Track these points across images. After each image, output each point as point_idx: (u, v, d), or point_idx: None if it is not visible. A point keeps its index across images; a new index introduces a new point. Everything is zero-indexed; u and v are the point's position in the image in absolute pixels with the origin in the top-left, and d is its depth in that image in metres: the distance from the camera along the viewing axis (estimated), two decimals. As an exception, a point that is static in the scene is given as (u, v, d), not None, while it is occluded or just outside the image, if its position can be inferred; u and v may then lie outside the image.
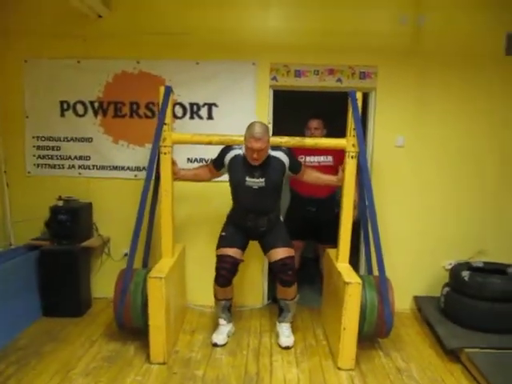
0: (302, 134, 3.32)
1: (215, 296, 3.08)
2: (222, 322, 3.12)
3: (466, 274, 3.06)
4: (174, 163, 2.99)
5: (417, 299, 3.59)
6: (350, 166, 2.88)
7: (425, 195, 3.57)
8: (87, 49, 3.43)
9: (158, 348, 2.74)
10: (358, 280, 2.73)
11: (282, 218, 3.12)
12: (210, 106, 3.48)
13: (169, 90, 2.91)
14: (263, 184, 2.83)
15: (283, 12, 3.43)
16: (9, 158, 3.55)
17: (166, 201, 3.00)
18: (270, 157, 2.82)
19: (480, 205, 3.55)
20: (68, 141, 3.56)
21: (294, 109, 3.97)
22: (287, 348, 2.98)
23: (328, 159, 3.46)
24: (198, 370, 2.69)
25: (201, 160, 3.49)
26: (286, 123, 3.54)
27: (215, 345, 2.99)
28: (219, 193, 3.23)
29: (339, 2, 3.34)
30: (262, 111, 3.45)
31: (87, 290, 3.54)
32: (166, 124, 2.89)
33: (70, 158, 3.58)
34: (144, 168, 3.36)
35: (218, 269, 2.96)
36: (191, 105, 3.48)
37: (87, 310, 3.50)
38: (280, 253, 2.92)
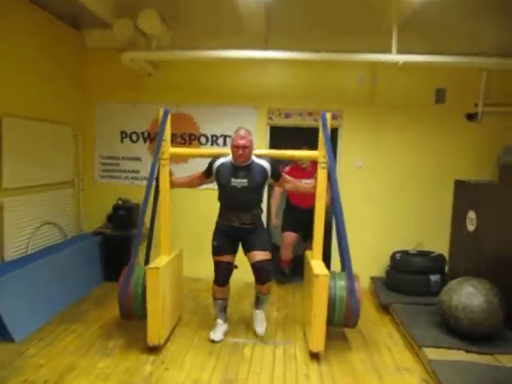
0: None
1: (214, 296, 3.55)
2: (219, 322, 3.55)
3: (398, 255, 4.39)
4: (171, 174, 3.46)
5: (372, 279, 4.88)
6: (321, 175, 3.37)
7: (378, 202, 4.92)
8: (140, 96, 4.95)
9: (154, 330, 3.15)
10: (327, 273, 3.16)
11: (264, 223, 3.70)
12: (225, 136, 4.93)
13: (167, 112, 3.40)
14: (246, 184, 3.23)
15: (277, 72, 4.90)
16: (84, 170, 5.06)
17: (164, 206, 3.45)
18: (253, 162, 3.30)
19: (417, 208, 4.88)
20: (124, 159, 5.06)
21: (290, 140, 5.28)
22: (261, 335, 3.53)
23: None
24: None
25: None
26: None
27: (212, 341, 3.43)
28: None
29: (316, 65, 4.70)
30: (262, 141, 4.88)
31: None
32: (164, 140, 3.38)
33: (125, 171, 5.07)
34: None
35: (216, 272, 3.46)
36: (212, 136, 4.95)
37: (134, 279, 4.89)
38: (258, 255, 3.35)
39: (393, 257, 4.50)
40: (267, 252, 3.39)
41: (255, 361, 3.19)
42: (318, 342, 3.15)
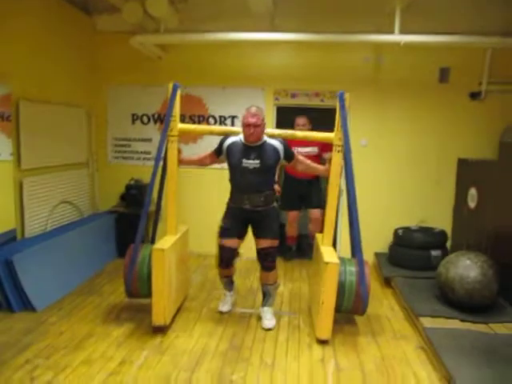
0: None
1: (220, 275, 3.63)
2: (227, 293, 3.70)
3: (400, 231, 4.53)
4: (179, 151, 3.38)
5: (376, 255, 5.03)
6: (336, 158, 3.24)
7: (383, 180, 5.03)
8: (150, 79, 5.09)
9: (159, 312, 3.16)
10: (337, 260, 3.08)
11: (276, 204, 3.47)
12: (233, 117, 5.06)
13: (176, 87, 3.26)
14: (258, 165, 3.16)
15: (283, 54, 4.98)
16: (98, 152, 5.25)
17: (172, 184, 3.36)
18: (266, 142, 3.22)
19: (421, 186, 4.98)
20: (136, 141, 5.23)
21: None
22: (269, 329, 3.36)
23: (314, 150, 4.77)
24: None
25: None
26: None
27: (221, 312, 3.63)
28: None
29: (322, 46, 4.77)
30: (268, 121, 4.97)
31: (147, 240, 5.16)
32: (173, 116, 3.27)
33: (137, 152, 5.25)
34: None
35: (220, 256, 3.42)
36: (220, 117, 5.08)
37: (147, 255, 5.11)
38: (265, 243, 3.32)
39: (395, 233, 4.63)
40: (274, 239, 3.34)
41: (261, 329, 3.39)
42: (325, 330, 3.12)
